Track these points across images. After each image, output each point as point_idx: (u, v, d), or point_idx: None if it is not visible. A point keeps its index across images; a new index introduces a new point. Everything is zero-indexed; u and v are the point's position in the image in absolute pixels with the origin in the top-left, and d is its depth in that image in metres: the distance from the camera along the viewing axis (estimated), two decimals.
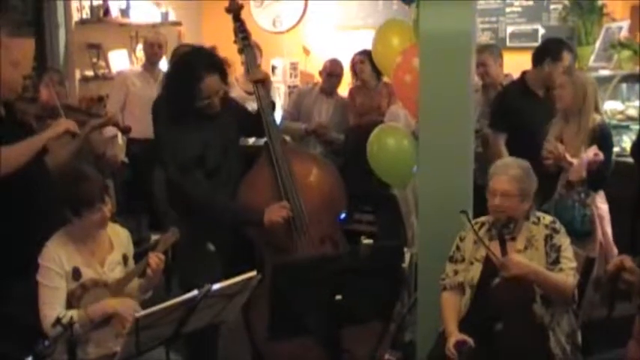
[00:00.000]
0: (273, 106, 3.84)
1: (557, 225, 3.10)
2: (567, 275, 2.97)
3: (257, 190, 3.61)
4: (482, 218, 3.24)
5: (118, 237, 3.12)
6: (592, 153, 3.83)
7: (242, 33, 3.81)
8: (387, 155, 4.04)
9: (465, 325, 3.05)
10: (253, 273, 2.76)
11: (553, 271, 2.98)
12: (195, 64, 3.49)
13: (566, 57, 4.52)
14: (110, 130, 4.81)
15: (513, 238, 3.06)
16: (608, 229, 4.06)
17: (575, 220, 3.89)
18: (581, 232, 3.90)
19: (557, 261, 3.00)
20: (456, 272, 3.18)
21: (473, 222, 3.23)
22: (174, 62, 3.63)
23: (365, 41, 4.45)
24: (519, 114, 4.46)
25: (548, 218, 3.14)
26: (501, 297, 2.95)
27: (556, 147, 3.92)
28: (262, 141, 3.84)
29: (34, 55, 5.61)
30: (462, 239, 3.21)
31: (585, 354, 3.06)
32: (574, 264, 3.02)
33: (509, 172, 3.11)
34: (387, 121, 4.81)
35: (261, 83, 3.74)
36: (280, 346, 3.21)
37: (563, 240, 3.06)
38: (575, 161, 3.86)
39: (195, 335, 2.90)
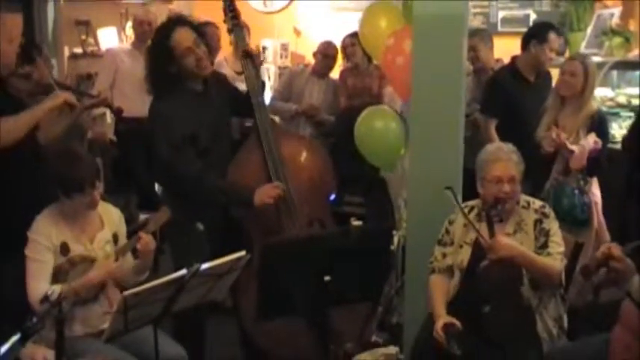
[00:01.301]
0: (263, 85, 3.81)
1: (547, 209, 3.11)
2: (554, 260, 2.98)
3: (246, 171, 3.59)
4: (472, 202, 3.24)
5: (110, 216, 3.12)
6: (592, 141, 3.84)
7: (231, 12, 3.77)
8: (374, 137, 4.03)
9: (453, 308, 3.05)
10: (242, 253, 2.76)
11: (541, 255, 2.99)
12: (163, 25, 3.51)
13: (553, 39, 4.52)
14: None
15: (501, 220, 3.06)
16: (601, 215, 4.09)
17: (576, 208, 3.90)
18: (581, 220, 3.92)
19: (545, 245, 3.01)
20: (444, 255, 3.18)
21: (462, 205, 3.23)
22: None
23: (356, 23, 4.41)
24: (510, 99, 4.47)
25: (537, 203, 3.15)
26: (489, 279, 2.96)
27: (558, 134, 3.92)
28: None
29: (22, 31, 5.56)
30: (451, 222, 3.21)
31: (571, 338, 3.08)
32: (562, 248, 3.03)
33: (511, 157, 3.09)
34: (387, 102, 4.80)
35: (251, 60, 3.71)
36: (268, 326, 3.22)
37: (553, 224, 3.07)
38: (575, 148, 3.86)
39: (183, 315, 2.90)
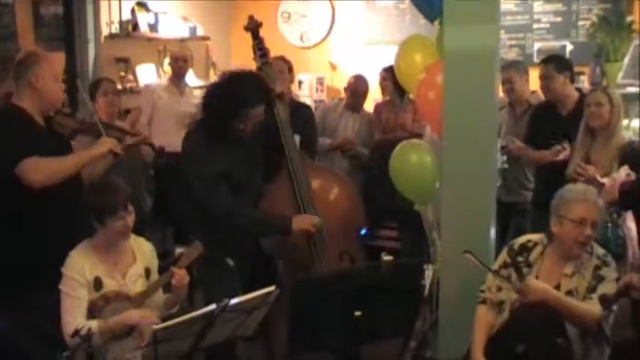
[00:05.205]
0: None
1: (609, 259, 3.04)
2: (594, 304, 2.88)
3: (275, 205, 3.62)
4: (535, 237, 3.16)
5: (142, 250, 3.15)
6: (624, 173, 3.77)
7: (260, 50, 3.81)
8: (408, 171, 4.02)
9: (492, 344, 3.00)
10: (272, 288, 2.76)
11: (586, 298, 2.92)
12: (248, 92, 3.42)
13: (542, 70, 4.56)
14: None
15: (529, 266, 3.00)
16: (637, 249, 4.00)
17: (610, 242, 3.82)
18: (615, 254, 3.84)
19: (594, 290, 2.94)
20: (499, 289, 3.09)
21: (526, 238, 3.17)
22: (220, 85, 3.54)
23: (391, 57, 4.42)
24: (546, 133, 4.45)
25: (601, 250, 3.08)
26: (523, 321, 2.90)
27: (585, 169, 3.86)
28: None
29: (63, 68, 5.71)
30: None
31: None
32: None
33: (597, 201, 3.01)
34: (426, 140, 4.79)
35: (280, 98, 3.75)
36: None
37: (610, 273, 2.99)
38: (606, 181, 3.80)
39: (214, 349, 2.90)
